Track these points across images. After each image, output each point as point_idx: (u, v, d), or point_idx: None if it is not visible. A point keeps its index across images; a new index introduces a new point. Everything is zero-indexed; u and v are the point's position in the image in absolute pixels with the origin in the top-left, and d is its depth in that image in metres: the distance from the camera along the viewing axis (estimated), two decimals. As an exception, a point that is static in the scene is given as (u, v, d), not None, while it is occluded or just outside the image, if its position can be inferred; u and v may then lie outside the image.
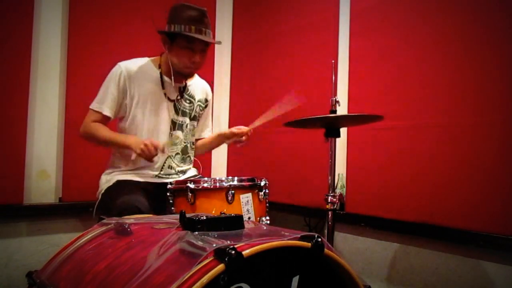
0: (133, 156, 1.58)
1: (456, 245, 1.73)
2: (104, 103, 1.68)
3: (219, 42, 1.83)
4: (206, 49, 1.70)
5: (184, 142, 1.83)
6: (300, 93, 2.40)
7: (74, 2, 2.24)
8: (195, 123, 1.89)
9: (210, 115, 2.04)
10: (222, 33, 2.96)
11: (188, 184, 1.38)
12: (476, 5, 1.69)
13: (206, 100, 1.94)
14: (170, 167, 1.78)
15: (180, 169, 1.82)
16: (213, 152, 2.83)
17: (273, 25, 2.65)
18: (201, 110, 1.91)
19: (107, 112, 1.68)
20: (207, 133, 2.02)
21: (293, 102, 1.64)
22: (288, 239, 0.83)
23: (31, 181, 2.11)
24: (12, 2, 2.04)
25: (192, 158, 1.91)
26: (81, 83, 2.22)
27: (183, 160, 1.84)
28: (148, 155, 1.55)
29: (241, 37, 2.94)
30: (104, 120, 1.70)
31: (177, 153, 1.81)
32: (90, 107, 1.70)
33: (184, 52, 1.66)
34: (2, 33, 2.02)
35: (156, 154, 1.58)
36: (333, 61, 1.84)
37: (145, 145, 1.53)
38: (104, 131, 1.68)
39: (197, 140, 1.99)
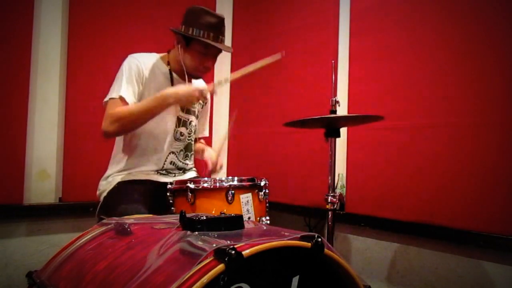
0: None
1: (456, 245, 1.73)
2: (125, 92, 1.59)
3: (231, 50, 1.85)
4: (218, 54, 1.75)
5: (188, 139, 1.83)
6: (300, 93, 2.42)
7: (74, 2, 2.24)
8: (197, 120, 1.90)
9: (209, 115, 2.04)
10: (222, 33, 2.95)
11: (188, 184, 1.38)
12: (477, 5, 1.69)
13: (205, 98, 1.95)
14: (172, 163, 1.78)
15: (182, 166, 1.82)
16: (213, 152, 2.83)
17: (273, 25, 2.65)
18: (201, 108, 1.93)
19: (131, 100, 1.60)
20: (206, 132, 2.03)
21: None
22: (288, 239, 0.83)
23: (31, 181, 2.11)
24: (12, 2, 2.04)
25: (193, 156, 1.92)
26: (81, 82, 2.22)
27: (186, 157, 1.84)
28: (192, 101, 1.61)
29: (241, 37, 2.93)
30: None
31: (181, 150, 1.81)
32: (111, 97, 1.59)
33: (198, 56, 1.67)
34: (2, 33, 2.02)
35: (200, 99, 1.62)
36: (333, 61, 1.85)
37: (198, 91, 1.55)
38: (134, 105, 1.58)
39: (196, 140, 1.99)
